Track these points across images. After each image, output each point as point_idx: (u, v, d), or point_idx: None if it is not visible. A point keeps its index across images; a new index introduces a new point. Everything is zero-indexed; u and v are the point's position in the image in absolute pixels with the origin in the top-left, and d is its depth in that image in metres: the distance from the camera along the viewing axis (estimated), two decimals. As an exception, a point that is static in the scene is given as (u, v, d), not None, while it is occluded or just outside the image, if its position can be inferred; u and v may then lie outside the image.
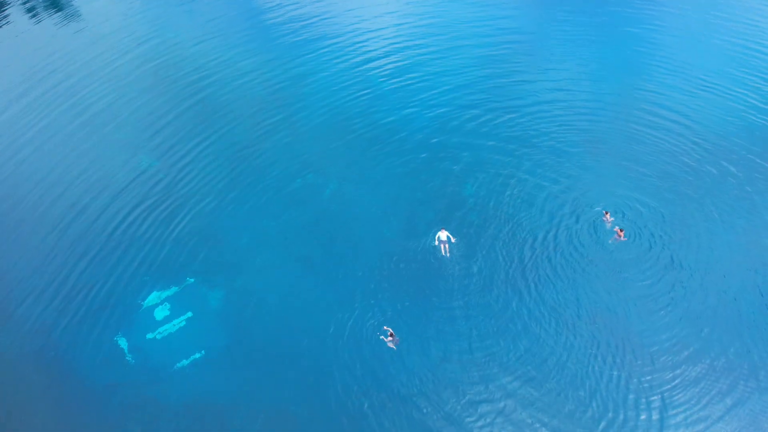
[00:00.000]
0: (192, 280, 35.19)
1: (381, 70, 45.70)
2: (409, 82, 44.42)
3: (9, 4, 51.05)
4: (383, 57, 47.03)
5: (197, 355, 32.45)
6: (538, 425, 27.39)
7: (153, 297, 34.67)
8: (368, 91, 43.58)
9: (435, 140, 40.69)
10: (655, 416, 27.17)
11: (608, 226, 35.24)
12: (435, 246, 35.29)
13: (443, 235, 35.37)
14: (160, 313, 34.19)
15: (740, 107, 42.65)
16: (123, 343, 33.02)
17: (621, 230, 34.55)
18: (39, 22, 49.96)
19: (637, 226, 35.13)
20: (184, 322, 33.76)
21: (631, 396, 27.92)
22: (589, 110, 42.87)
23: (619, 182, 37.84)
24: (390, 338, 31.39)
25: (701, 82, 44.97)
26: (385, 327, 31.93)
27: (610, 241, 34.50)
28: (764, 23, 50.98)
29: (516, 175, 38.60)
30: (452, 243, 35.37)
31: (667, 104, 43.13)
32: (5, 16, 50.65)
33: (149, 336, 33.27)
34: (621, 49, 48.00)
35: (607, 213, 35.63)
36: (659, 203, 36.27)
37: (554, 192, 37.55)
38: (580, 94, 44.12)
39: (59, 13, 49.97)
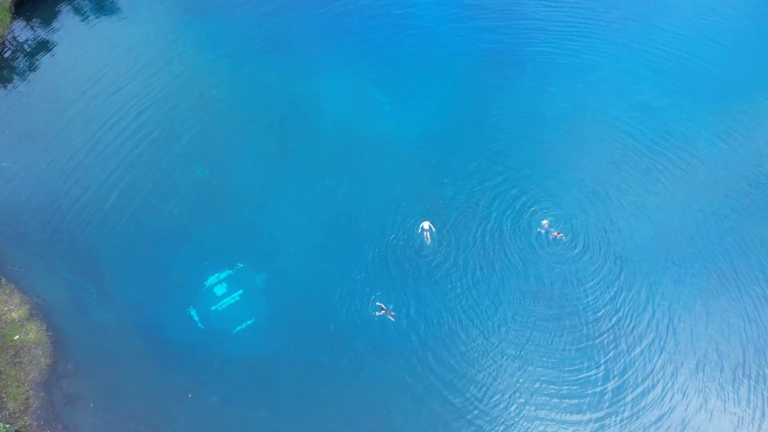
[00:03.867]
0: (241, 265, 46.66)
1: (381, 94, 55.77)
2: (403, 102, 54.65)
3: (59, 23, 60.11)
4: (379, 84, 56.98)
5: (249, 322, 44.34)
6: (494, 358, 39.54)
7: (213, 278, 46.25)
8: (367, 111, 53.74)
9: (422, 152, 51.31)
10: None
11: (545, 229, 46.71)
12: (419, 234, 46.78)
13: (426, 225, 46.94)
14: (219, 290, 45.85)
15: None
16: (194, 313, 44.86)
17: (559, 233, 46.05)
18: (88, 37, 59.41)
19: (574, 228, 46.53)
20: (237, 297, 45.47)
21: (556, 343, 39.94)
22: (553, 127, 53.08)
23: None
24: (383, 312, 43.29)
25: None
26: (377, 303, 43.75)
27: (543, 232, 46.32)
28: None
29: (490, 183, 49.41)
30: (433, 232, 46.87)
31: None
32: (56, 30, 59.94)
33: (213, 308, 45.06)
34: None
35: (546, 222, 46.92)
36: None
37: (515, 196, 48.61)
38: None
39: (113, 31, 59.48)
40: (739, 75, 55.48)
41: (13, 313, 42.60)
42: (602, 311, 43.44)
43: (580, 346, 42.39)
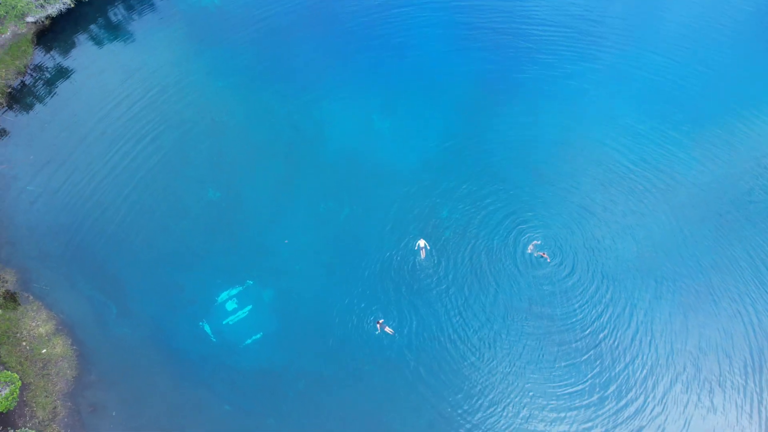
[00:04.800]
0: (251, 282, 50.04)
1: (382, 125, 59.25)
2: (402, 128, 58.07)
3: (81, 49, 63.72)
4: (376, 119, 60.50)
5: (257, 336, 47.70)
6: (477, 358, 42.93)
7: (224, 294, 49.62)
8: (368, 137, 57.11)
9: (420, 176, 54.68)
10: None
11: (530, 251, 50.15)
12: (416, 250, 50.26)
13: (422, 243, 50.38)
14: (230, 305, 49.21)
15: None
16: (207, 327, 48.23)
17: (544, 253, 49.48)
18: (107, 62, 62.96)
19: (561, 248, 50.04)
20: (247, 312, 48.82)
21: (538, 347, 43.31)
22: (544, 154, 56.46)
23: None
24: (379, 325, 46.67)
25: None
26: (378, 323, 47.15)
27: (530, 253, 49.81)
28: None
29: (481, 204, 52.75)
30: (428, 249, 50.26)
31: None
32: (77, 57, 63.48)
33: (224, 322, 48.41)
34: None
35: (532, 245, 50.27)
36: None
37: (506, 219, 52.03)
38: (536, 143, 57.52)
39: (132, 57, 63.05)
40: (717, 102, 58.78)
41: (41, 329, 46.06)
42: (588, 330, 46.99)
43: (567, 363, 45.87)
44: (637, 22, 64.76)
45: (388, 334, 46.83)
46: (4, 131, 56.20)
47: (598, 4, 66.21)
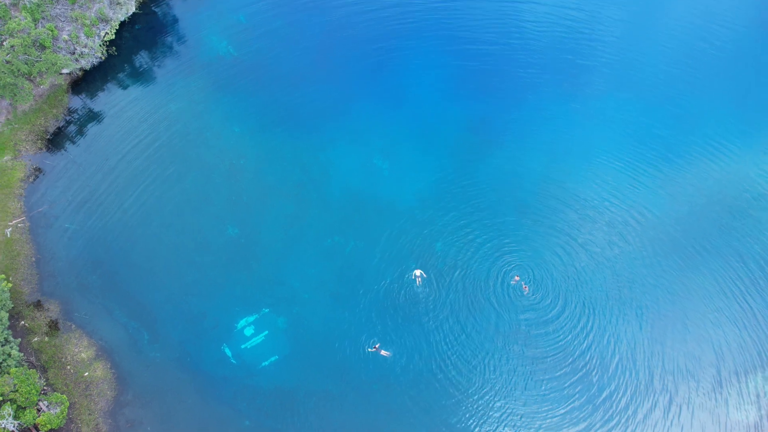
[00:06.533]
0: (267, 310, 56.26)
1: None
2: (400, 169, 64.48)
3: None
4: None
5: (273, 358, 53.93)
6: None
7: (243, 321, 55.83)
8: (369, 177, 63.38)
9: (415, 212, 60.88)
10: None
11: (515, 283, 56.50)
12: (412, 279, 56.66)
13: (418, 272, 56.79)
14: (248, 331, 55.42)
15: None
16: (228, 350, 54.45)
17: (525, 285, 55.73)
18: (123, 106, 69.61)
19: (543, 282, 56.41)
20: (263, 338, 55.03)
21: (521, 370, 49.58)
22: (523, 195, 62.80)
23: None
24: (375, 349, 53.02)
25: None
26: (374, 347, 53.39)
27: (512, 284, 56.50)
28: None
29: (472, 238, 58.96)
30: (424, 278, 56.54)
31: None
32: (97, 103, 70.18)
33: (243, 346, 54.64)
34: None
35: (517, 277, 56.51)
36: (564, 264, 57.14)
37: (494, 249, 58.28)
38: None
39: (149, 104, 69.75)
40: (685, 144, 64.85)
41: (83, 354, 52.45)
42: (570, 360, 53.72)
43: (552, 394, 52.56)
44: (620, 67, 70.79)
45: (383, 356, 53.12)
46: (45, 174, 62.65)
47: (587, 50, 72.32)
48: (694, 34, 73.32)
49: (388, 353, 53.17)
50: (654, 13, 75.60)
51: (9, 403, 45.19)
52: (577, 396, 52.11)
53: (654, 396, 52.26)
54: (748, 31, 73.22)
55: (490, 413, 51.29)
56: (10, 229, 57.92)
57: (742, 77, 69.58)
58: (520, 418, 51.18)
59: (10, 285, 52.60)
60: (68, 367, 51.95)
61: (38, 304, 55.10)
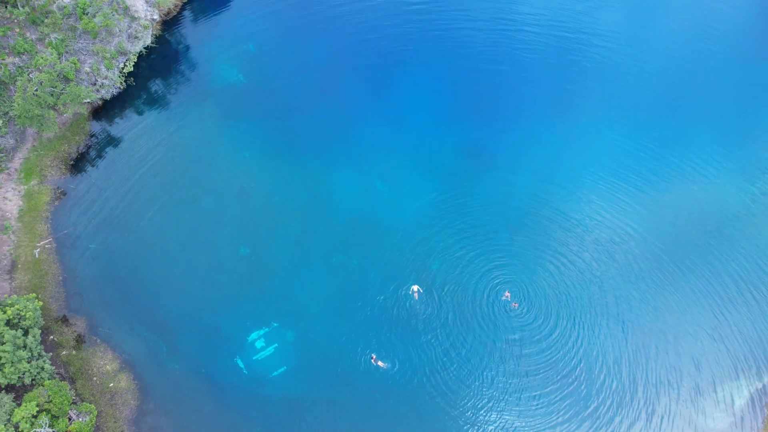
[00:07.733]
0: (276, 324, 60.74)
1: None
2: (399, 192, 69.09)
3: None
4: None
5: (282, 369, 58.38)
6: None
7: (254, 334, 60.31)
8: (371, 200, 68.11)
9: (413, 232, 65.48)
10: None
11: (505, 299, 60.88)
12: (410, 294, 61.17)
13: (415, 288, 61.38)
14: (259, 344, 59.89)
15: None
16: (240, 362, 58.94)
17: (515, 303, 60.13)
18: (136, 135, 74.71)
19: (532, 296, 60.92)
20: (273, 350, 59.49)
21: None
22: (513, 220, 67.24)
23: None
24: (372, 360, 57.49)
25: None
26: (372, 357, 57.86)
27: (503, 299, 60.72)
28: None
29: (465, 256, 63.46)
30: (421, 293, 61.11)
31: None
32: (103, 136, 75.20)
33: (254, 358, 59.11)
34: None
35: (507, 293, 60.90)
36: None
37: (486, 268, 62.73)
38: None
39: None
40: (666, 165, 69.34)
41: (108, 366, 57.11)
42: (559, 377, 58.06)
43: (544, 408, 56.88)
44: (607, 92, 75.65)
45: (380, 367, 57.65)
46: (69, 196, 67.36)
47: (576, 76, 76.95)
48: (677, 64, 78.40)
49: (384, 365, 57.58)
50: (640, 42, 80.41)
51: (45, 413, 49.81)
52: (566, 408, 56.64)
53: (638, 407, 56.59)
54: (729, 62, 78.27)
55: (486, 422, 55.78)
56: (38, 249, 62.69)
57: (721, 105, 74.54)
58: (514, 425, 55.63)
59: (40, 303, 57.25)
60: (95, 378, 56.59)
61: (65, 320, 59.76)
